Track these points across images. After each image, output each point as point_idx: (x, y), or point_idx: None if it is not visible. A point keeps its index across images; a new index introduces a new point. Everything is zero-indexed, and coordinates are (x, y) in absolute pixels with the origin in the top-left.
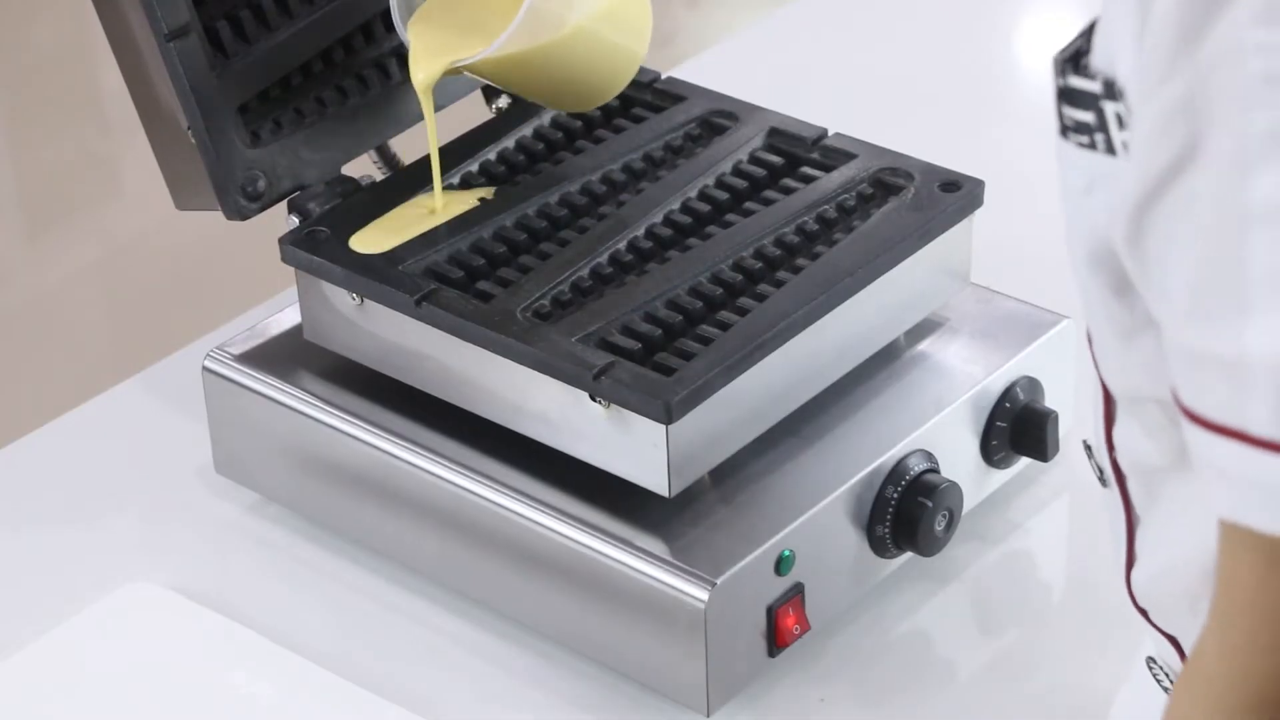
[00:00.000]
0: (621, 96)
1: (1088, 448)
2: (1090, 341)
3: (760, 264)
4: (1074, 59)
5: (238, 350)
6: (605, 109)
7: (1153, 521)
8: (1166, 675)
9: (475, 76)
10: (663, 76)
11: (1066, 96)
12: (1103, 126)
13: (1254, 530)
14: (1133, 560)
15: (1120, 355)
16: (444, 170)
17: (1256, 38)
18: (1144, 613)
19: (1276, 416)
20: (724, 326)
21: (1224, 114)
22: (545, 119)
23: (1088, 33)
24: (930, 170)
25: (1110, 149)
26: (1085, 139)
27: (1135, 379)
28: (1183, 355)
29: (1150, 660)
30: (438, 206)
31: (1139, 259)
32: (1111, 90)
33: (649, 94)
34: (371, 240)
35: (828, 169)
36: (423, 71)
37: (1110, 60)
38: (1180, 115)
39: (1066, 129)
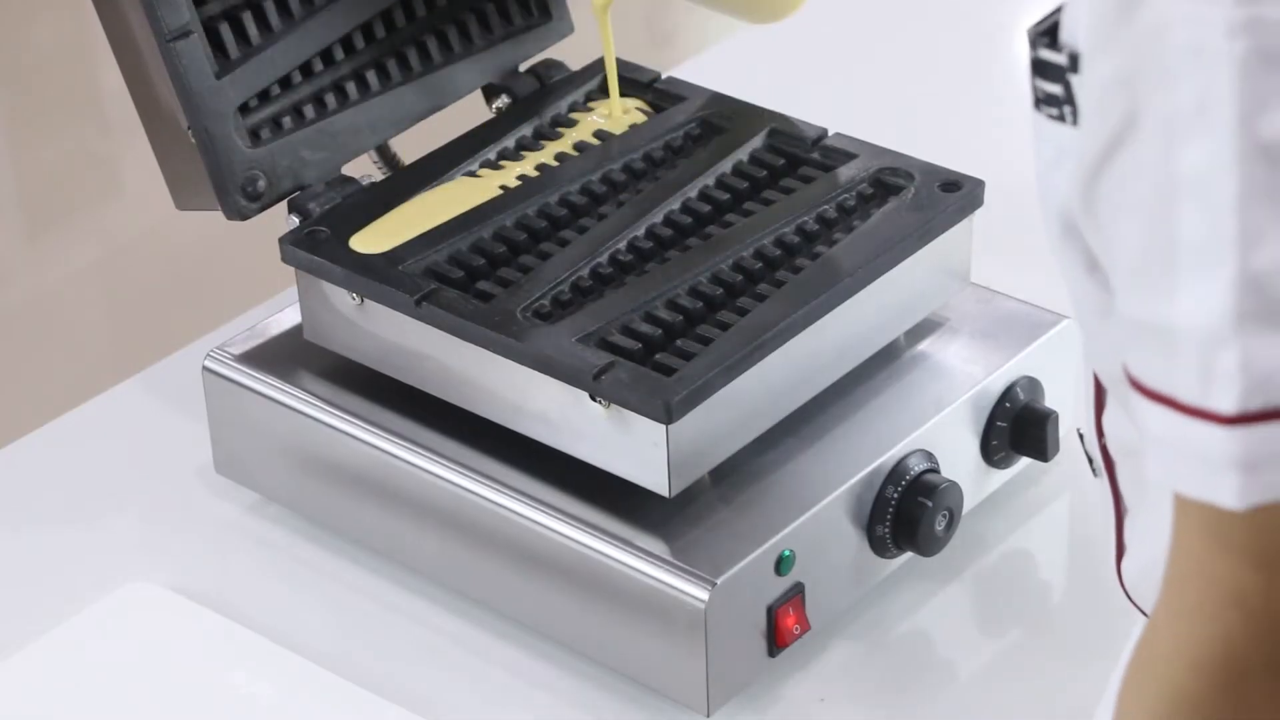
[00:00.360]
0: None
1: (1081, 436)
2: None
3: (760, 264)
4: (1049, 32)
5: (238, 350)
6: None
7: (1140, 512)
8: None
9: None
10: (663, 76)
11: (1038, 69)
12: (1070, 99)
13: (1189, 498)
14: (1122, 550)
15: (1099, 335)
16: (444, 170)
17: (1184, 9)
18: (1136, 604)
19: (1201, 385)
20: (724, 326)
21: (1153, 87)
22: (545, 119)
23: (1060, 8)
24: (930, 170)
25: (1076, 121)
26: (1055, 111)
27: (1114, 359)
28: (1127, 323)
29: None
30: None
31: (1094, 230)
32: (1076, 63)
33: (649, 94)
34: (372, 240)
35: (828, 169)
36: None
37: (1074, 33)
38: (1120, 86)
39: (1039, 101)
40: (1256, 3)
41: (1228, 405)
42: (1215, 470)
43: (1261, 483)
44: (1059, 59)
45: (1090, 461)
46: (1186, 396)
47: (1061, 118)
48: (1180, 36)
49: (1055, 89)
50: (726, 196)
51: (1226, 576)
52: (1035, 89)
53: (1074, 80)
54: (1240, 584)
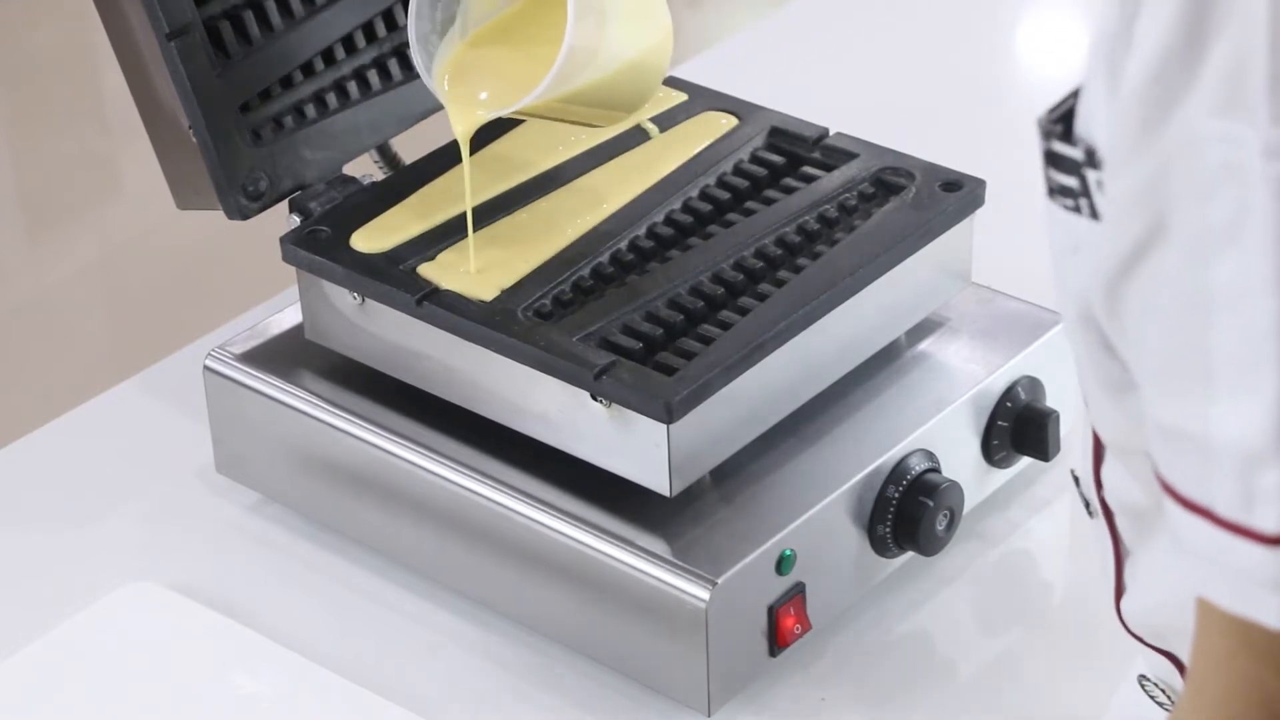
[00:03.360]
0: None
1: (1075, 478)
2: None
3: (761, 263)
4: (1062, 120)
5: (239, 350)
6: None
7: (1143, 556)
8: (1162, 691)
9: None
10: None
11: (1052, 160)
12: (1085, 192)
13: (1220, 607)
14: (1122, 590)
15: (1109, 408)
16: (444, 170)
17: (1214, 128)
18: (1137, 637)
19: (1240, 500)
20: (725, 326)
21: (1185, 201)
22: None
23: (1075, 94)
24: (931, 170)
25: (1094, 214)
26: (1070, 202)
27: (1123, 431)
28: (1156, 427)
29: (1142, 678)
30: (471, 267)
31: (1116, 327)
32: (1093, 158)
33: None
34: (372, 239)
35: (829, 168)
36: (462, 125)
37: (1090, 129)
38: (1146, 196)
39: (1053, 191)
40: None
41: (1271, 526)
42: (1256, 587)
43: None
44: (1074, 153)
45: (1086, 504)
46: (1225, 512)
47: (1077, 209)
48: (1214, 154)
49: (1070, 181)
50: (727, 196)
51: (1252, 678)
52: (1049, 179)
53: (1090, 175)
54: (1265, 686)
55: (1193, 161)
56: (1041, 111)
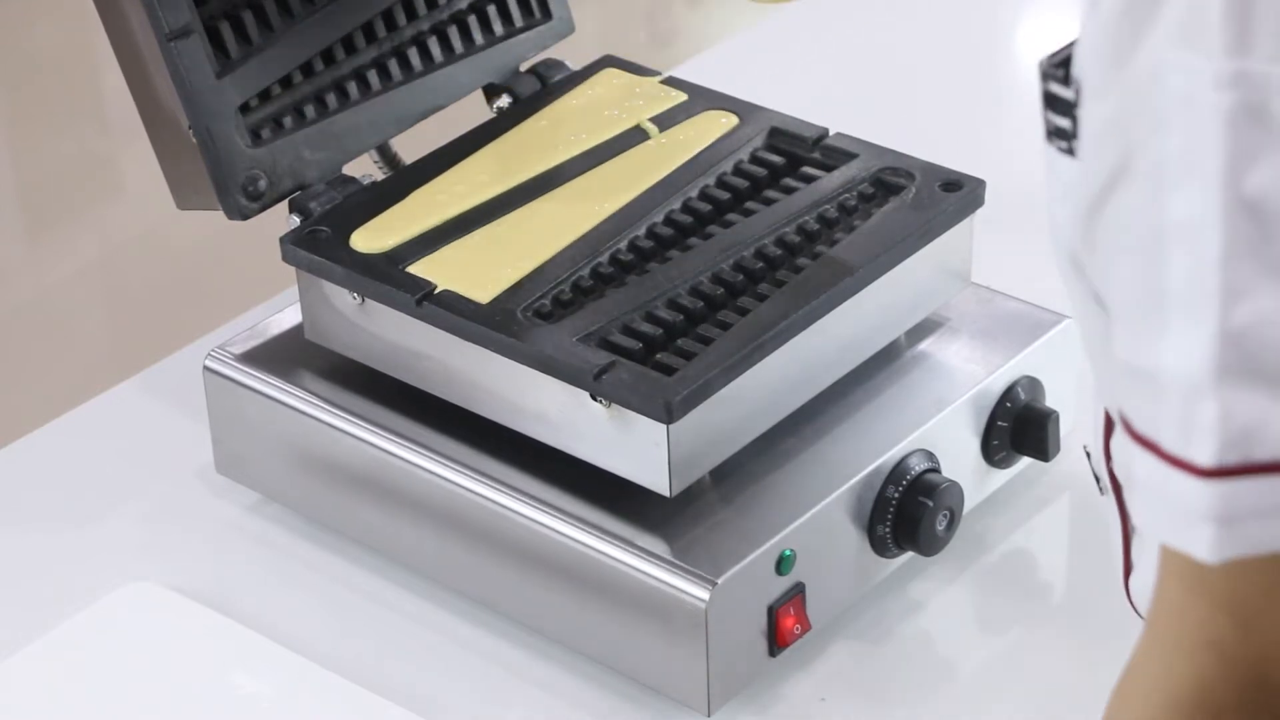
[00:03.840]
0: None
1: (1088, 454)
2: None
3: (761, 264)
4: (1063, 65)
5: (238, 350)
6: None
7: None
8: None
9: None
10: (663, 76)
11: (1050, 102)
12: (1077, 134)
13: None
14: (1130, 568)
15: (1103, 365)
16: (444, 169)
17: (1176, 58)
18: (1143, 617)
19: (1182, 435)
20: (725, 326)
21: (1144, 133)
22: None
23: (1076, 41)
24: (931, 170)
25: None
26: (1064, 145)
27: (1114, 393)
28: (1120, 364)
29: None
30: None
31: (1094, 266)
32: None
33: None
34: (372, 239)
35: (828, 169)
36: None
37: (1082, 69)
38: (1115, 128)
39: (1050, 133)
40: (1245, 56)
41: (1206, 458)
42: (1192, 522)
43: (1236, 536)
44: (1068, 93)
45: (1097, 480)
46: (1169, 445)
47: (1070, 151)
48: (1172, 85)
49: (1065, 123)
50: (727, 196)
51: (1203, 620)
52: (1046, 121)
53: (1081, 115)
54: (1216, 628)
55: (1153, 93)
56: (1043, 56)
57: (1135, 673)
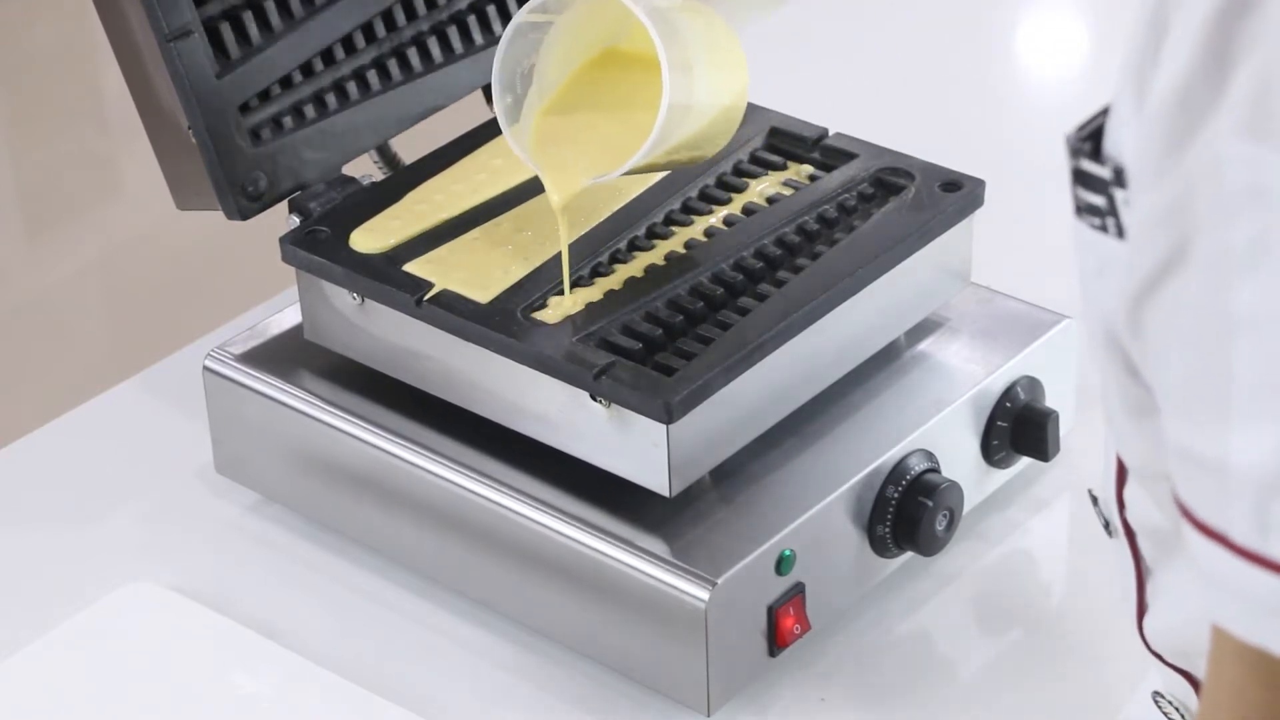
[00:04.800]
0: None
1: (1094, 498)
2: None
3: (761, 264)
4: (1091, 138)
5: (238, 350)
6: None
7: (1165, 576)
8: (1176, 710)
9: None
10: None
11: (1080, 179)
12: (1113, 211)
13: (1239, 637)
14: (1144, 609)
15: (1132, 432)
16: (444, 169)
17: (1238, 150)
18: (1158, 655)
19: (1256, 528)
20: (724, 326)
21: (1207, 223)
22: None
23: (1104, 112)
24: (930, 170)
25: (1121, 234)
26: (1097, 221)
27: (1146, 455)
28: (1176, 450)
29: (1157, 695)
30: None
31: (1139, 349)
32: (1120, 177)
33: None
34: (372, 239)
35: (829, 168)
36: (559, 195)
37: (1118, 147)
38: (1170, 216)
39: (1080, 209)
40: None
41: None
42: (1270, 616)
43: None
44: (1102, 172)
45: (1106, 525)
46: (1241, 539)
47: (1104, 229)
48: (1237, 176)
49: (1097, 200)
50: (728, 197)
51: (1265, 707)
52: (1076, 198)
53: (1118, 195)
54: (1276, 710)
55: (1216, 183)
56: (1070, 129)
57: None
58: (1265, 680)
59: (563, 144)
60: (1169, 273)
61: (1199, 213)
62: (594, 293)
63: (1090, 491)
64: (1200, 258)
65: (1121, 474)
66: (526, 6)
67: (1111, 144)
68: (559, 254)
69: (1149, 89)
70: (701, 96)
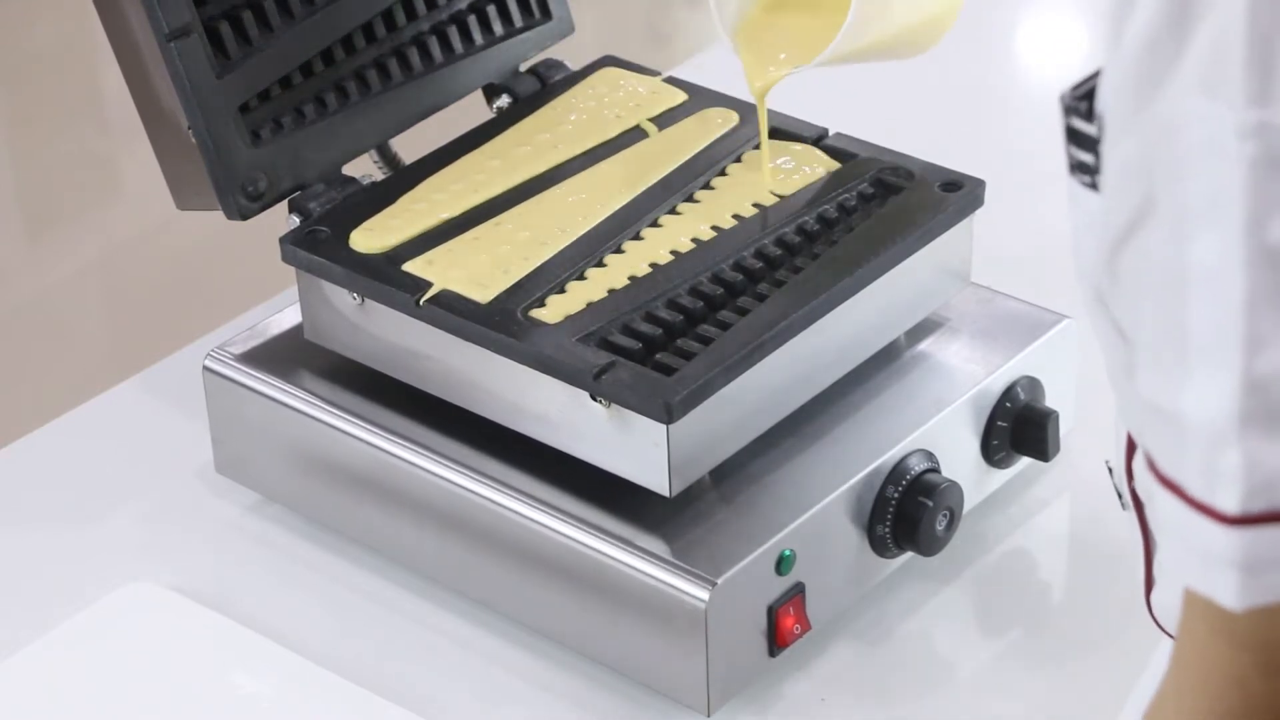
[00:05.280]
0: None
1: (1109, 469)
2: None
3: (760, 264)
4: (1085, 98)
5: (238, 350)
6: None
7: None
8: None
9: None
10: (663, 76)
11: (1072, 136)
12: (1101, 169)
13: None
14: (1151, 583)
15: (1127, 393)
16: (444, 169)
17: (1196, 106)
18: (1165, 630)
19: (1206, 481)
20: (724, 326)
21: (1166, 178)
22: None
23: (1099, 72)
24: (930, 170)
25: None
26: (1088, 179)
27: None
28: (1142, 402)
29: None
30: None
31: (1117, 302)
32: None
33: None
34: (372, 239)
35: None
36: (760, 81)
37: (1108, 103)
38: (1138, 169)
39: (1073, 167)
40: (1268, 107)
41: (1230, 505)
42: (1217, 567)
43: (1261, 584)
44: (1090, 129)
45: (1120, 496)
46: (1193, 490)
47: (1094, 185)
48: (1194, 132)
49: (1087, 157)
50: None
51: (1227, 659)
52: (1069, 155)
53: (1103, 152)
54: (1241, 670)
55: (1176, 138)
56: (1065, 88)
57: (1162, 708)
58: (1229, 634)
59: (768, 36)
60: (1138, 225)
61: (1160, 167)
62: (594, 292)
63: (1106, 463)
64: (1163, 211)
65: (1131, 443)
66: None
67: (1102, 101)
68: (559, 254)
69: (1122, 37)
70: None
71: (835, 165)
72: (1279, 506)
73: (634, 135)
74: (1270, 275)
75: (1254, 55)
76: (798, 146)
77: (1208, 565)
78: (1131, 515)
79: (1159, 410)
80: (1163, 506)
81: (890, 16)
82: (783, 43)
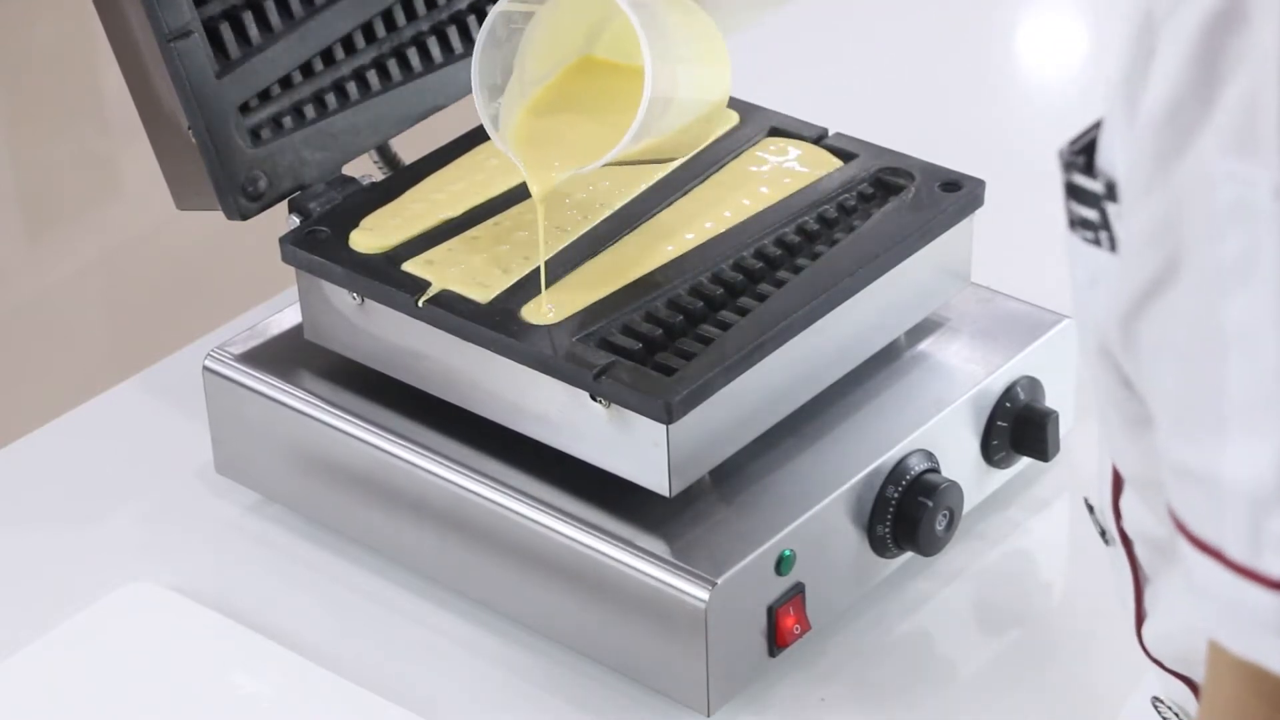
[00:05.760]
0: None
1: (1089, 506)
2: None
3: (761, 264)
4: (1084, 152)
5: (238, 350)
6: None
7: (1164, 583)
8: (1175, 715)
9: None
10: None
11: (1072, 192)
12: (1105, 225)
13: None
14: (1142, 617)
15: (1127, 443)
16: (443, 169)
17: (1226, 167)
18: (1157, 662)
19: (1250, 544)
20: (724, 326)
21: (1197, 239)
22: None
23: (1097, 125)
24: (930, 170)
25: (1114, 247)
26: (1090, 235)
27: (1141, 466)
28: (1170, 465)
29: (1156, 700)
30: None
31: (1132, 363)
32: (1113, 191)
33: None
34: (372, 239)
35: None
36: (539, 186)
37: (1110, 162)
38: (1160, 232)
39: (1074, 224)
40: None
41: (1278, 570)
42: (1264, 632)
43: None
44: (1094, 186)
45: (1102, 533)
46: (1235, 554)
47: (1097, 242)
48: (1225, 193)
49: (1090, 214)
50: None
51: (1263, 718)
52: (1069, 211)
53: (1110, 209)
54: None
55: (1204, 200)
56: (1063, 143)
57: None
58: (1264, 694)
59: (545, 140)
60: (1161, 288)
61: (1188, 229)
62: (592, 292)
63: (1086, 500)
64: (1190, 273)
65: (1117, 483)
66: None
67: (1104, 158)
68: (558, 254)
69: (1139, 103)
70: (684, 91)
71: (835, 165)
72: None
73: None
74: None
75: None
76: (798, 146)
77: (1253, 630)
78: (1118, 550)
79: (1189, 473)
80: (1197, 569)
81: (668, 118)
82: (558, 145)
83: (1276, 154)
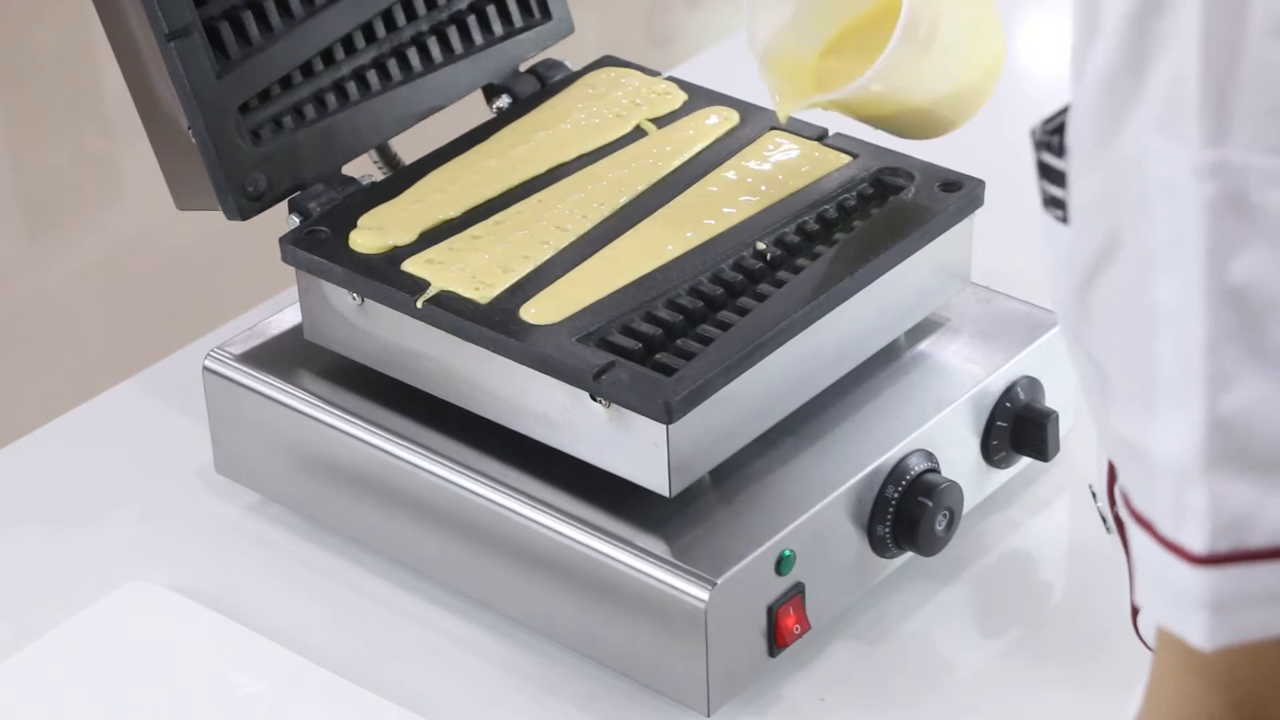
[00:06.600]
0: None
1: (1094, 494)
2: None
3: (760, 264)
4: (1057, 132)
5: (238, 350)
6: None
7: None
8: None
9: (829, 109)
10: (663, 76)
11: (1044, 172)
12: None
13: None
14: (1138, 608)
15: (1103, 423)
16: (443, 169)
17: (1155, 145)
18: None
19: (1174, 520)
20: (724, 326)
21: (1131, 216)
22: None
23: (1069, 107)
24: (930, 170)
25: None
26: (1060, 214)
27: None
28: (1115, 437)
29: None
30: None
31: (1088, 335)
32: None
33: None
34: (372, 239)
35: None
36: (788, 103)
37: (1070, 140)
38: (1103, 206)
39: (1046, 202)
40: (1223, 146)
41: (1197, 545)
42: (1187, 607)
43: (1229, 623)
44: (1061, 165)
45: (1104, 520)
46: (1162, 528)
47: (1065, 220)
48: (1154, 171)
49: (1059, 193)
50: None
51: (1196, 696)
52: (1042, 191)
53: (1070, 185)
54: (1208, 704)
55: (1138, 176)
56: (1036, 122)
57: None
58: (1197, 670)
59: (798, 58)
60: (1105, 261)
61: (1125, 205)
62: (592, 292)
63: (1090, 487)
64: (1127, 249)
65: (1112, 469)
66: None
67: (1069, 137)
68: (558, 254)
69: (1084, 75)
70: (945, 43)
71: (835, 165)
72: (1245, 546)
73: (634, 135)
74: (1230, 315)
75: (1208, 95)
76: (798, 146)
77: (1178, 604)
78: (1115, 539)
79: (1131, 446)
80: (1136, 542)
81: (925, 66)
82: (813, 66)
83: (1198, 135)
